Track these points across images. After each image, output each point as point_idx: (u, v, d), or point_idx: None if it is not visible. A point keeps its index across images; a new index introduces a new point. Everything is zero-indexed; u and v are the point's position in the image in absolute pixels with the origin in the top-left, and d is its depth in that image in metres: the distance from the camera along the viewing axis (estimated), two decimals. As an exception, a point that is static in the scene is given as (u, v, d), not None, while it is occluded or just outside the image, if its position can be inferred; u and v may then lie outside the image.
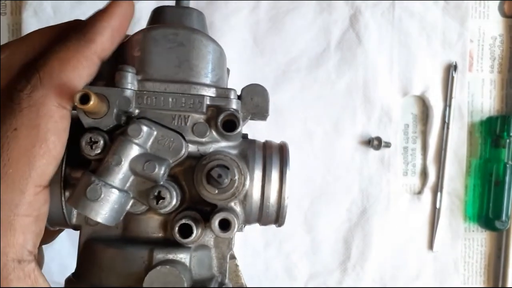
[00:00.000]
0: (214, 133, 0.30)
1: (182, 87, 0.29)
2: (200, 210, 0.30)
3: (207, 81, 0.30)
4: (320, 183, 0.64)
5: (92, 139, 0.28)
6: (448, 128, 0.64)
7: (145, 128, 0.28)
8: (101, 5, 0.69)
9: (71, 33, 0.28)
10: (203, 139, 0.30)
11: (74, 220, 0.31)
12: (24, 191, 0.26)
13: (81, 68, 0.27)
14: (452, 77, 0.64)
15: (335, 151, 0.64)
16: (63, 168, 0.29)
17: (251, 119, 0.32)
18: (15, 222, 0.26)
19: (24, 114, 0.26)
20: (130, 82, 0.28)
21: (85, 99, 0.26)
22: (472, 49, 0.66)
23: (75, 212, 0.30)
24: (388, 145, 0.64)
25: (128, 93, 0.28)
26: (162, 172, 0.28)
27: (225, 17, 0.63)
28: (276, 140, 0.35)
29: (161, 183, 0.28)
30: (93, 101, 0.26)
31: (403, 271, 0.64)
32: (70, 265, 0.32)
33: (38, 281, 0.27)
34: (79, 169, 0.29)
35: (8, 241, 0.26)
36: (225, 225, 0.28)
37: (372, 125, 0.64)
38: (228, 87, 0.31)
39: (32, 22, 0.61)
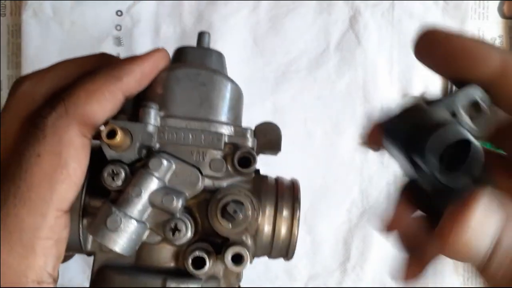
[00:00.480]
0: (229, 168, 0.31)
1: (202, 125, 0.30)
2: (211, 242, 0.31)
3: (226, 119, 0.32)
4: (320, 184, 0.64)
5: (114, 171, 0.29)
6: (447, 128, 0.64)
7: (165, 162, 0.29)
8: (100, 6, 0.68)
9: (101, 67, 0.30)
10: (219, 174, 0.31)
11: (89, 247, 0.32)
12: (45, 215, 0.27)
13: (105, 102, 0.28)
14: (452, 78, 0.64)
15: (335, 151, 0.64)
16: (83, 196, 0.30)
17: (262, 153, 0.33)
18: (37, 245, 0.27)
19: (47, 140, 0.27)
20: (154, 118, 0.30)
21: (111, 134, 0.28)
22: (471, 49, 0.66)
23: (90, 239, 0.31)
24: (388, 145, 0.64)
25: (151, 128, 0.30)
26: (179, 205, 0.29)
27: (224, 18, 0.63)
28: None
29: (178, 215, 0.30)
30: (119, 137, 0.28)
31: (403, 272, 0.63)
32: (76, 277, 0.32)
33: None
34: (98, 198, 0.30)
35: (29, 263, 0.27)
36: (238, 259, 0.30)
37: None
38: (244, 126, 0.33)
39: (31, 23, 0.61)
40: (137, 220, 0.29)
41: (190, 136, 0.30)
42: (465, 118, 0.24)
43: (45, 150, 0.27)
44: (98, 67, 0.30)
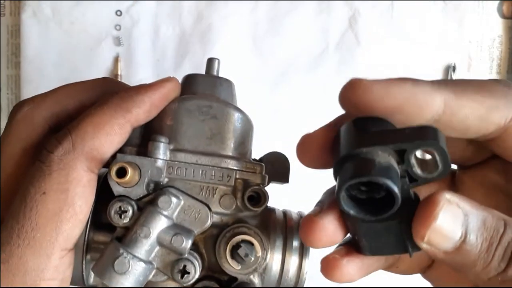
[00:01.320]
0: (239, 204, 0.30)
1: (213, 160, 0.30)
2: (217, 279, 0.30)
3: (237, 154, 0.31)
4: (320, 184, 0.63)
5: (122, 208, 0.28)
6: (447, 128, 0.64)
7: (174, 200, 0.28)
8: (100, 6, 0.68)
9: (108, 97, 0.28)
10: (229, 211, 0.30)
11: (91, 281, 0.31)
12: (50, 256, 0.26)
13: (113, 135, 0.27)
14: (451, 78, 0.64)
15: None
16: (87, 232, 0.29)
17: (268, 184, 0.32)
18: (41, 286, 0.26)
19: (53, 177, 0.26)
20: (163, 152, 0.29)
21: (121, 172, 0.27)
22: (470, 50, 0.66)
23: (92, 274, 0.30)
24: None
25: (160, 163, 0.29)
26: (188, 245, 0.28)
27: (224, 18, 0.63)
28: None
29: (186, 256, 0.29)
30: (129, 175, 0.27)
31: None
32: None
33: None
34: (102, 232, 0.30)
35: None
36: None
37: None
38: (253, 159, 0.32)
39: (31, 23, 0.61)
40: (144, 262, 0.28)
41: (200, 172, 0.29)
42: (414, 164, 0.23)
43: (52, 187, 0.26)
44: (101, 92, 0.29)
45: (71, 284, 0.30)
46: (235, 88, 0.34)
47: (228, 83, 0.34)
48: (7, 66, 0.63)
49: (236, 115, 0.31)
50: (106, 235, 0.29)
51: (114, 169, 0.27)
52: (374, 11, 0.64)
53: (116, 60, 0.63)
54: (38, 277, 0.26)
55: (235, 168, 0.30)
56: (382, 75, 0.68)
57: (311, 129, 0.27)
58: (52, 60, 0.62)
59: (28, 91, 0.61)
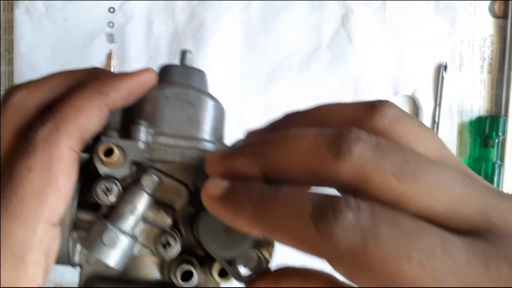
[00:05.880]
0: None
1: (191, 143, 0.32)
2: (194, 254, 0.32)
3: (212, 137, 0.33)
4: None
5: (108, 187, 0.30)
6: (438, 127, 0.65)
7: (156, 179, 0.31)
8: (93, 3, 0.68)
9: (89, 82, 0.30)
10: None
11: (76, 259, 0.32)
12: (36, 228, 0.28)
13: (93, 117, 0.29)
14: (442, 77, 0.65)
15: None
16: (73, 210, 0.31)
17: None
18: (27, 257, 0.27)
19: (38, 155, 0.28)
20: (144, 135, 0.31)
21: (109, 152, 0.29)
22: (462, 49, 0.66)
23: (77, 251, 0.32)
24: (378, 143, 0.64)
25: (142, 145, 0.31)
26: (170, 220, 0.31)
27: (217, 15, 0.64)
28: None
29: (168, 230, 0.31)
30: (116, 155, 0.29)
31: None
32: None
33: None
34: (87, 212, 0.31)
35: (20, 275, 0.27)
36: (224, 272, 0.31)
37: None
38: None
39: (24, 20, 0.62)
40: (130, 236, 0.30)
41: (179, 153, 0.31)
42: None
43: (36, 164, 0.28)
44: (88, 80, 0.31)
45: (57, 263, 0.31)
46: (207, 78, 0.37)
47: (201, 73, 0.37)
48: (1, 62, 0.63)
49: (211, 102, 0.33)
50: (92, 215, 0.31)
51: (102, 149, 0.29)
52: (366, 9, 0.64)
53: (109, 56, 0.63)
54: (25, 248, 0.27)
55: (211, 150, 0.32)
56: (374, 74, 0.68)
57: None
58: (45, 57, 0.62)
59: (21, 88, 0.62)
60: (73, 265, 0.33)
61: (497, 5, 0.67)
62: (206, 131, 0.33)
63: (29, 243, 0.27)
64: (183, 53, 0.37)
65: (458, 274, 0.19)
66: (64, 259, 0.32)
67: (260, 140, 0.26)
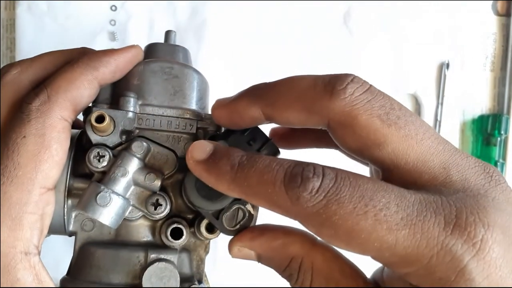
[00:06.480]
0: None
1: (177, 112, 0.34)
2: (183, 218, 0.34)
3: (196, 108, 0.35)
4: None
5: (100, 154, 0.32)
6: (440, 126, 0.65)
7: (145, 145, 0.33)
8: (95, 1, 0.68)
9: (80, 58, 0.33)
10: None
11: (71, 227, 0.34)
12: (31, 191, 0.29)
13: (83, 89, 0.32)
14: (445, 75, 0.65)
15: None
16: (67, 178, 0.33)
17: None
18: (23, 218, 0.29)
19: (32, 124, 0.30)
20: (133, 106, 0.33)
21: (100, 119, 0.31)
22: (464, 47, 0.66)
23: (72, 220, 0.34)
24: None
25: (131, 115, 0.33)
26: (159, 183, 0.33)
27: (219, 14, 0.64)
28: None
29: (157, 192, 0.33)
30: (106, 121, 0.31)
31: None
32: (62, 260, 0.33)
33: (41, 272, 0.30)
34: (81, 180, 0.33)
35: (17, 235, 0.29)
36: (211, 228, 0.33)
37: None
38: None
39: (26, 18, 0.62)
40: (123, 197, 0.32)
41: (166, 122, 0.34)
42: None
43: (30, 132, 0.30)
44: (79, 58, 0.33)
45: (53, 232, 0.34)
46: (190, 55, 0.39)
47: (185, 50, 0.39)
48: (2, 60, 0.64)
49: (194, 74, 0.36)
50: (85, 183, 0.33)
51: (93, 116, 0.31)
52: (368, 7, 0.64)
53: (110, 55, 0.63)
54: (21, 210, 0.29)
55: (196, 118, 0.34)
56: (376, 72, 0.68)
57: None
58: (47, 55, 0.62)
59: (23, 86, 0.62)
60: (69, 234, 0.34)
61: (499, 3, 0.66)
62: (191, 102, 0.35)
63: (25, 205, 0.29)
64: (167, 33, 0.39)
65: (410, 223, 0.22)
66: (59, 227, 0.33)
67: (263, 83, 0.30)
